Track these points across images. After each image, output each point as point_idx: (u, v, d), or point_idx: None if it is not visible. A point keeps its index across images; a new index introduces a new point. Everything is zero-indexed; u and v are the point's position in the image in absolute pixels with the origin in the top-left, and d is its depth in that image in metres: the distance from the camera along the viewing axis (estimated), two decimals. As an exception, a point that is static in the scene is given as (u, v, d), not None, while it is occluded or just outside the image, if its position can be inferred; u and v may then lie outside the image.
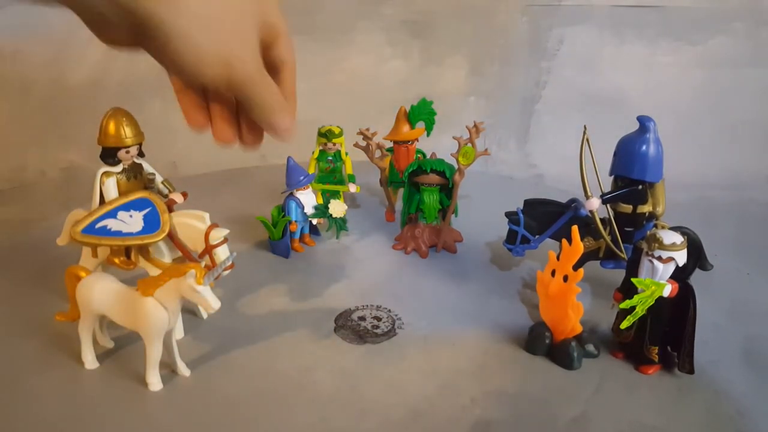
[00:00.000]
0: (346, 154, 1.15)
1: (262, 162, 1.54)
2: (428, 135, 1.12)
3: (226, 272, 0.71)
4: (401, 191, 1.10)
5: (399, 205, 1.11)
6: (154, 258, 0.79)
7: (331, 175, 1.14)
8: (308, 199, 1.02)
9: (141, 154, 0.80)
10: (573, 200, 0.89)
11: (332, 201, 1.02)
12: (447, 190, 1.03)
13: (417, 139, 1.11)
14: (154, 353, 0.68)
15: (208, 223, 0.77)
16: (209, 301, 0.64)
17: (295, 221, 1.01)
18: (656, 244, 0.69)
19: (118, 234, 0.73)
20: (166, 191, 0.82)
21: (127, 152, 0.78)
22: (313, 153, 1.14)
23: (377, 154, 1.12)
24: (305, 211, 1.01)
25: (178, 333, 0.78)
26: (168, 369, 0.72)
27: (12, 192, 1.63)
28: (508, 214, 0.91)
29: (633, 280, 0.70)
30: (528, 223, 0.90)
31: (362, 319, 0.84)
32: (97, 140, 0.77)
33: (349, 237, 1.06)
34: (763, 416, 0.67)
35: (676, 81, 1.85)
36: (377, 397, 0.69)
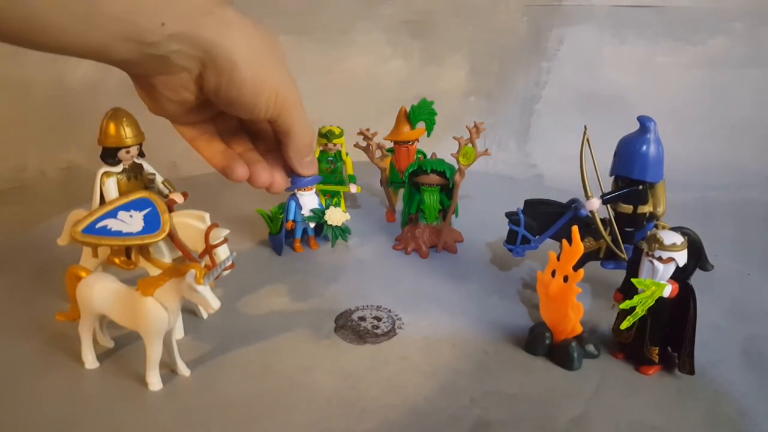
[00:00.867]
0: (347, 154, 1.15)
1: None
2: (428, 135, 1.12)
3: (226, 272, 0.71)
4: (401, 191, 1.10)
5: (399, 205, 1.11)
6: (154, 258, 0.79)
7: (331, 175, 1.14)
8: (309, 200, 1.01)
9: (141, 154, 0.80)
10: (573, 200, 0.89)
11: (331, 208, 1.01)
12: (447, 190, 1.03)
13: (417, 140, 1.11)
14: (154, 353, 0.68)
15: (208, 223, 0.77)
16: (209, 301, 0.64)
17: (292, 220, 1.01)
18: (656, 245, 0.69)
19: (119, 234, 0.73)
20: (166, 191, 0.82)
21: (128, 152, 0.78)
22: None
23: (377, 154, 1.12)
24: (303, 212, 1.01)
25: (178, 333, 0.78)
26: (168, 369, 0.72)
27: (12, 192, 1.63)
28: (508, 215, 0.91)
29: (633, 280, 0.70)
30: (528, 224, 0.90)
31: (362, 319, 0.84)
32: (97, 140, 0.77)
33: (349, 237, 1.06)
34: (763, 417, 0.67)
35: (676, 81, 1.85)
36: (377, 397, 0.69)
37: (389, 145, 1.13)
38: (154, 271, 0.78)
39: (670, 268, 0.69)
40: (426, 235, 1.04)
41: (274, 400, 0.68)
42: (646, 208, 0.87)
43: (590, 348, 0.76)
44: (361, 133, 1.10)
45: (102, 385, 0.70)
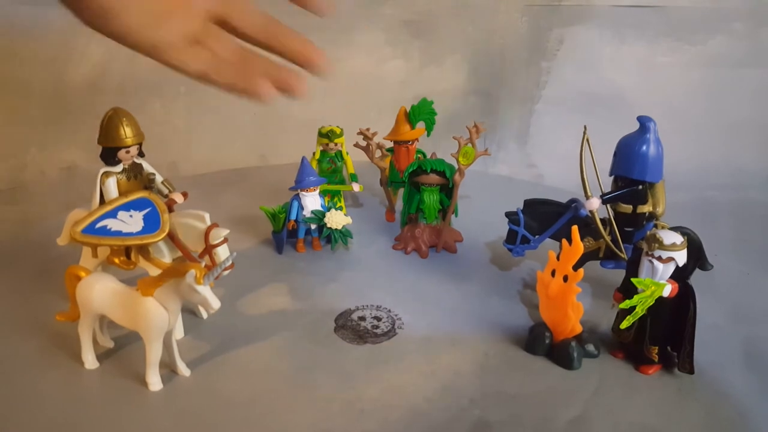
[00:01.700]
0: (347, 153, 1.15)
1: (262, 162, 1.54)
2: (428, 135, 1.12)
3: (226, 272, 0.71)
4: (401, 191, 1.10)
5: (399, 205, 1.11)
6: (154, 258, 0.79)
7: (332, 175, 1.14)
8: (312, 202, 1.01)
9: (141, 154, 0.80)
10: (573, 200, 0.89)
11: (332, 210, 1.00)
12: (447, 190, 1.03)
13: (417, 139, 1.11)
14: (154, 353, 0.68)
15: (208, 223, 0.78)
16: (209, 301, 0.64)
17: (294, 220, 1.01)
18: (656, 244, 0.69)
19: (118, 234, 0.73)
20: (166, 191, 0.82)
21: (127, 152, 0.78)
22: (314, 154, 1.14)
23: (377, 154, 1.12)
24: (305, 213, 1.01)
25: (178, 333, 0.78)
26: (168, 369, 0.72)
27: (12, 192, 1.63)
28: (508, 214, 0.91)
29: (633, 280, 0.70)
30: (528, 223, 0.90)
31: (362, 319, 0.84)
32: (97, 140, 0.77)
33: (350, 241, 1.05)
34: (763, 417, 0.67)
35: (676, 81, 1.85)
36: (377, 397, 0.69)
37: (389, 144, 1.13)
38: (154, 271, 0.78)
39: (670, 268, 0.69)
40: (426, 235, 1.04)
41: (274, 400, 0.68)
42: (646, 208, 0.87)
43: (590, 348, 0.76)
44: (360, 132, 1.10)
45: (102, 386, 0.70)
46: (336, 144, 1.12)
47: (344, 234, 1.01)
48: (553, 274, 0.74)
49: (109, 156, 0.77)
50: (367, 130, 1.10)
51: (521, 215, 0.90)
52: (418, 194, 1.03)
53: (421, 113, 1.09)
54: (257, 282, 0.93)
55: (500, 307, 0.88)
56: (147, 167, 0.82)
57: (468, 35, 1.85)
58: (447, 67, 1.88)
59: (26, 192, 1.63)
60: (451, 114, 1.47)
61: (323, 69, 0.45)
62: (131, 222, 0.73)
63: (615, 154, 0.87)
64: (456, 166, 0.99)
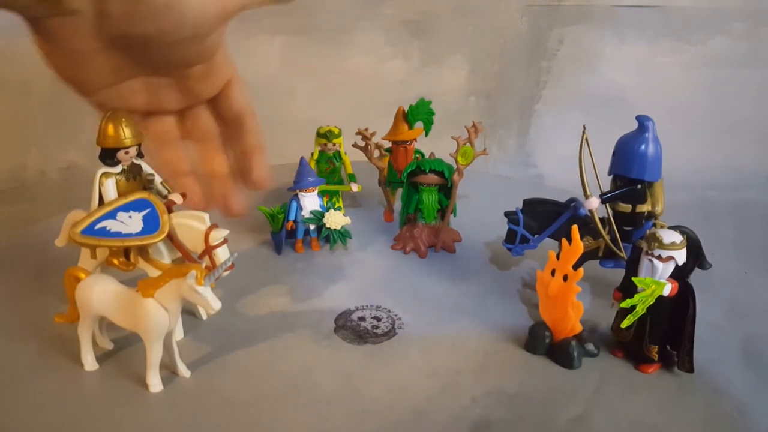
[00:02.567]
0: (345, 153, 1.15)
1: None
2: (426, 135, 1.12)
3: (227, 273, 0.71)
4: (400, 191, 1.10)
5: (397, 205, 1.11)
6: (153, 259, 0.79)
7: (331, 175, 1.14)
8: (310, 202, 1.01)
9: (140, 155, 0.80)
10: (572, 200, 0.89)
11: (331, 211, 1.00)
12: (446, 190, 1.03)
13: (415, 139, 1.11)
14: (155, 354, 0.68)
15: (208, 223, 0.77)
16: (210, 301, 0.64)
17: (293, 221, 1.01)
18: (656, 243, 0.69)
19: (118, 235, 0.72)
20: (165, 192, 0.82)
21: (126, 153, 0.77)
22: (312, 154, 1.14)
23: (376, 154, 1.12)
24: (304, 213, 1.01)
25: (178, 334, 0.78)
26: (168, 370, 0.72)
27: (12, 192, 1.63)
28: (507, 214, 0.91)
29: (633, 279, 0.70)
30: (527, 223, 0.90)
31: (362, 319, 0.84)
32: (96, 141, 0.77)
33: (349, 242, 1.05)
34: (762, 415, 0.67)
35: (676, 81, 1.85)
36: (377, 398, 0.69)
37: (387, 144, 1.13)
38: (154, 272, 0.78)
39: (670, 267, 0.69)
40: (424, 234, 1.04)
41: (274, 401, 0.68)
42: (645, 207, 0.87)
43: (590, 347, 0.76)
44: (359, 132, 1.10)
45: (102, 387, 0.70)
46: (334, 144, 1.12)
47: (343, 234, 1.01)
48: (552, 273, 0.74)
49: (108, 157, 0.77)
50: (366, 130, 1.10)
51: (520, 215, 0.90)
52: (417, 194, 1.03)
53: (419, 113, 1.09)
54: (257, 283, 0.93)
55: (500, 307, 0.88)
56: (146, 168, 0.82)
57: (468, 35, 1.85)
58: (447, 67, 1.88)
59: (26, 192, 1.63)
60: (451, 114, 1.47)
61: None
62: (130, 223, 0.73)
63: (614, 154, 0.87)
64: (454, 166, 0.99)
